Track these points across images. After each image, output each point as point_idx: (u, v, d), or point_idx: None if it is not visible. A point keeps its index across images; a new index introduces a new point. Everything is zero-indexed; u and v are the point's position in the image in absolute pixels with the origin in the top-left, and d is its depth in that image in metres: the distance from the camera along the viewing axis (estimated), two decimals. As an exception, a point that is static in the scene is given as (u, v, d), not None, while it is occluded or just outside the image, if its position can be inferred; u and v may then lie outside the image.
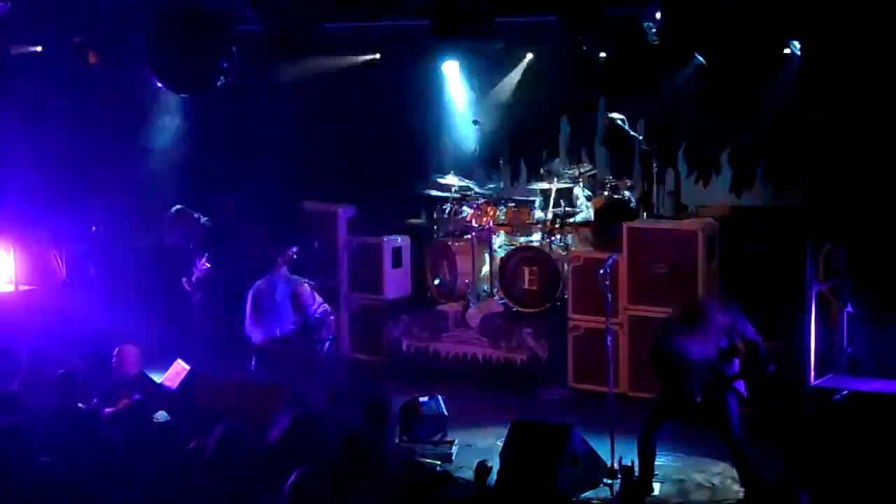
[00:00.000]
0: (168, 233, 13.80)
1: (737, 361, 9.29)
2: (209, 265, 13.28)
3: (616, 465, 9.76)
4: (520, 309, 13.56)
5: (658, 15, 11.33)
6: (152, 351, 11.95)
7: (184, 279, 13.59)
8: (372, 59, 15.33)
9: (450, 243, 14.29)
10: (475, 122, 15.29)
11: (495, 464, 9.39)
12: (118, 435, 8.87)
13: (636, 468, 9.54)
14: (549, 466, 9.42)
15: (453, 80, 15.10)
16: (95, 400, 10.32)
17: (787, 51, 12.56)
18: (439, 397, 11.30)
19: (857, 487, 8.08)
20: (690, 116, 14.19)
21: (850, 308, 9.63)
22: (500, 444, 9.91)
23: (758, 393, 9.63)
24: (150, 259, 16.31)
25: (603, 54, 13.92)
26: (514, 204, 14.24)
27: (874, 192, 8.41)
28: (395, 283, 14.32)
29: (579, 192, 14.27)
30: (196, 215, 14.14)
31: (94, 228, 15.88)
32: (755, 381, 9.50)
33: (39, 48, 14.81)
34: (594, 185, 14.52)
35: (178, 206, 13.86)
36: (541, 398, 12.70)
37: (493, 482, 9.33)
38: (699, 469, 10.14)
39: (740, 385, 9.31)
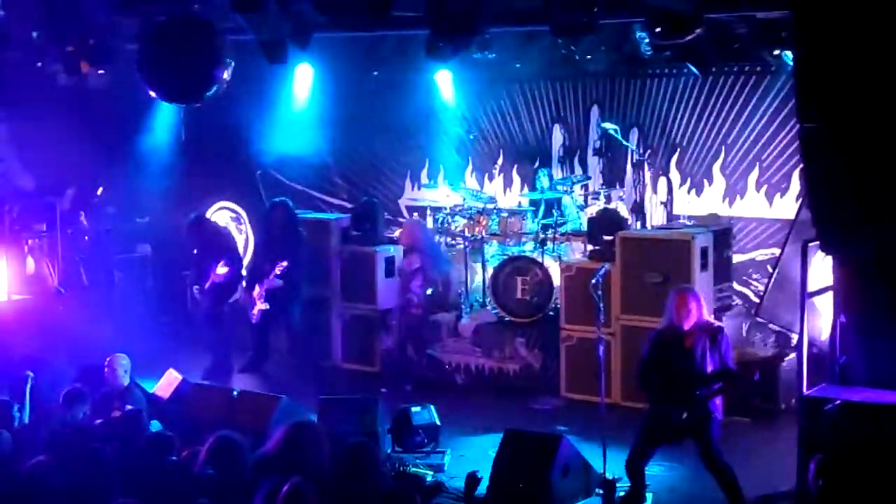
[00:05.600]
0: (187, 240, 13.90)
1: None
2: (227, 271, 13.35)
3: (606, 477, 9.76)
4: (512, 319, 13.55)
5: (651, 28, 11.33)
6: (145, 360, 11.94)
7: (195, 287, 13.60)
8: (363, 69, 15.38)
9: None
10: (468, 133, 15.34)
11: (486, 473, 9.40)
12: (110, 445, 8.84)
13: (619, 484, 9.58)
14: (541, 476, 9.42)
15: (446, 89, 15.10)
16: (87, 410, 10.29)
17: (780, 61, 12.56)
18: (431, 407, 11.29)
19: (849, 497, 8.06)
20: (683, 126, 14.21)
21: (842, 318, 9.63)
22: (492, 453, 9.89)
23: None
24: (142, 268, 16.36)
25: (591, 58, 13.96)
26: (506, 213, 14.25)
27: (869, 201, 8.40)
28: (388, 292, 14.28)
29: (571, 201, 14.27)
30: (210, 223, 14.25)
31: (86, 238, 15.90)
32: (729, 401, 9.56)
33: (32, 57, 14.80)
34: (586, 195, 14.55)
35: (195, 214, 14.01)
36: (533, 408, 12.69)
37: (485, 492, 9.34)
38: (692, 479, 10.13)
39: (716, 406, 9.33)
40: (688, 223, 13.41)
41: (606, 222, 13.11)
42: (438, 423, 11.18)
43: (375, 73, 15.39)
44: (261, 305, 13.34)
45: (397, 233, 14.48)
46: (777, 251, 13.17)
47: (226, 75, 11.54)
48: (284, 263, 12.99)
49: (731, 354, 9.44)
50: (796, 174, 13.33)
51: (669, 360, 9.30)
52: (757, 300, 13.32)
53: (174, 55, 11.36)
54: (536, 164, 15.11)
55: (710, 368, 9.24)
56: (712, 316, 10.19)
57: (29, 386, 10.34)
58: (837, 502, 7.83)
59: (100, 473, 8.16)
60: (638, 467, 9.44)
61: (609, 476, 9.72)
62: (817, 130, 8.55)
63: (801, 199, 12.90)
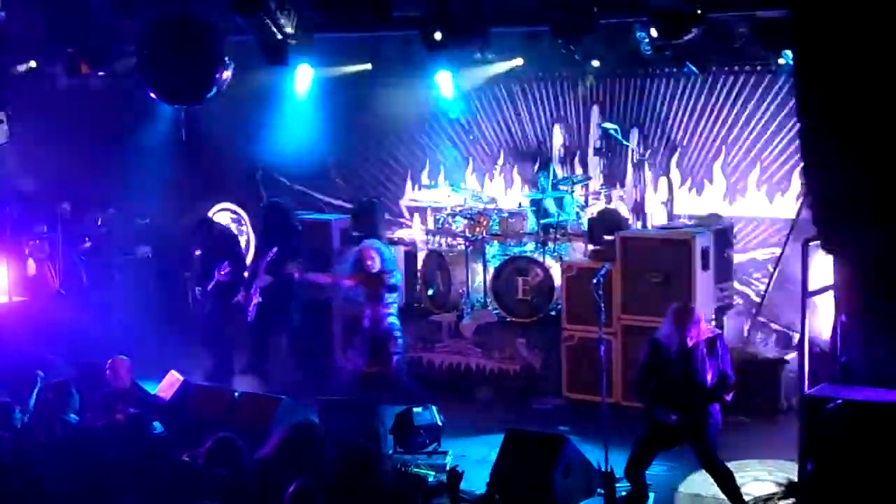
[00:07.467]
0: (192, 241, 13.90)
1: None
2: (229, 271, 13.33)
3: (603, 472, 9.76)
4: (513, 319, 13.55)
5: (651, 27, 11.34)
6: (146, 362, 11.94)
7: (197, 288, 13.57)
8: (363, 70, 15.34)
9: (443, 253, 14.29)
10: (468, 133, 15.33)
11: (479, 472, 9.43)
12: (111, 447, 8.85)
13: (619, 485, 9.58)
14: (543, 476, 9.42)
15: (446, 89, 15.09)
16: (89, 412, 10.30)
17: (780, 60, 12.56)
18: (433, 407, 11.29)
19: (850, 496, 8.07)
20: (683, 125, 14.20)
21: (843, 317, 9.63)
22: (494, 453, 9.89)
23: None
24: (143, 269, 16.35)
25: (596, 63, 13.94)
26: (507, 214, 14.24)
27: (870, 199, 8.40)
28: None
29: (572, 201, 14.26)
30: (217, 224, 14.25)
31: (86, 239, 15.89)
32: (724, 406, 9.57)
33: (32, 60, 14.82)
34: (587, 195, 14.54)
35: (202, 216, 14.02)
36: (534, 408, 12.69)
37: (485, 492, 9.37)
38: (694, 479, 10.12)
39: (715, 411, 9.33)
40: (688, 223, 13.40)
41: (607, 222, 13.10)
42: (440, 423, 11.18)
43: (376, 73, 15.36)
44: (255, 300, 13.32)
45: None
46: (778, 250, 13.17)
47: (226, 76, 11.54)
48: (275, 249, 12.98)
49: (730, 360, 9.43)
50: (797, 173, 13.32)
51: (668, 369, 9.30)
52: (758, 299, 13.32)
53: (174, 56, 11.35)
54: (537, 164, 15.09)
55: (708, 375, 9.25)
56: (712, 322, 10.19)
57: (38, 387, 10.36)
58: (838, 501, 7.83)
59: (102, 475, 8.17)
60: (638, 474, 9.45)
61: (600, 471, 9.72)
62: (817, 129, 8.56)
63: (801, 198, 12.90)
